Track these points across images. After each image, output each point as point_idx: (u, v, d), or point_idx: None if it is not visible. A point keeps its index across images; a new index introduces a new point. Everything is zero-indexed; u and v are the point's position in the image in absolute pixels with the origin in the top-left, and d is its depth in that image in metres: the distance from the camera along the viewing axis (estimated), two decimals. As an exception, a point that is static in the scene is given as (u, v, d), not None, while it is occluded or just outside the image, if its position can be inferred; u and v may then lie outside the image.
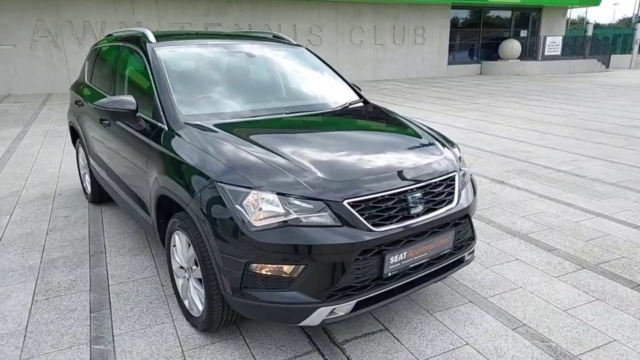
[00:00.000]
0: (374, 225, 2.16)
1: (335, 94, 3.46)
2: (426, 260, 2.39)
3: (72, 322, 2.65)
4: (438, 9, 19.89)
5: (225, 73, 3.25)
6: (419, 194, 2.34)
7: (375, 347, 2.44)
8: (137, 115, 2.88)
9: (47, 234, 3.89)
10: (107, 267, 3.31)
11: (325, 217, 2.10)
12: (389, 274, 2.24)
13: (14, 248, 3.62)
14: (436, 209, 2.40)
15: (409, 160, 2.53)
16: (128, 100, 2.84)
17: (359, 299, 2.17)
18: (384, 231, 2.17)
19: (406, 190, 2.30)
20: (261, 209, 2.08)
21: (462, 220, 2.57)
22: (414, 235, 2.30)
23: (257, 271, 2.09)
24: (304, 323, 2.15)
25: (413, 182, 2.34)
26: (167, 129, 2.70)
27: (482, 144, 7.21)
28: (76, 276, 3.18)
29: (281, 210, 2.08)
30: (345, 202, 2.12)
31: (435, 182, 2.44)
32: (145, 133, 2.86)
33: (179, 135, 2.60)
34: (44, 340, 2.49)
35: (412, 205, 2.30)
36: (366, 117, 3.26)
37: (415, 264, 2.35)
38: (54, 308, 2.79)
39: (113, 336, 2.52)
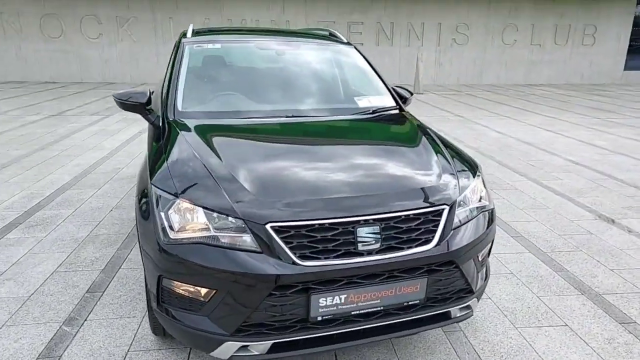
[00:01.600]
0: (302, 257, 1.83)
1: (362, 99, 3.10)
2: (379, 308, 1.97)
3: (65, 299, 2.84)
4: (620, 4, 16.92)
5: (242, 71, 3.15)
6: (374, 228, 1.92)
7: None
8: (147, 108, 2.91)
9: (110, 210, 4.28)
10: (132, 250, 3.49)
11: (245, 240, 1.85)
12: (319, 318, 1.89)
13: (77, 219, 4.06)
14: (401, 249, 1.95)
15: (380, 185, 2.12)
16: (139, 92, 2.89)
17: (276, 340, 1.88)
18: (312, 266, 1.83)
19: (356, 222, 1.91)
20: (183, 220, 1.92)
21: (444, 267, 2.05)
22: (360, 277, 1.91)
23: (170, 287, 1.95)
24: (214, 354, 1.94)
25: (370, 213, 1.93)
26: (160, 121, 2.70)
27: (613, 169, 5.88)
28: (102, 254, 3.42)
29: (202, 225, 1.90)
30: (268, 226, 1.84)
31: (405, 216, 1.99)
32: (153, 125, 2.89)
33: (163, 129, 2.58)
34: (32, 311, 2.71)
35: (361, 240, 1.90)
36: (376, 127, 2.84)
37: (362, 311, 1.94)
38: (63, 282, 3.03)
39: (85, 320, 2.63)
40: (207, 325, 1.89)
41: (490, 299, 2.94)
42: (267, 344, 1.88)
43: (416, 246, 1.99)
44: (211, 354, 1.94)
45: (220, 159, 2.17)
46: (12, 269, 3.19)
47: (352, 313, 1.93)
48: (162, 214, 1.95)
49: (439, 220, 2.06)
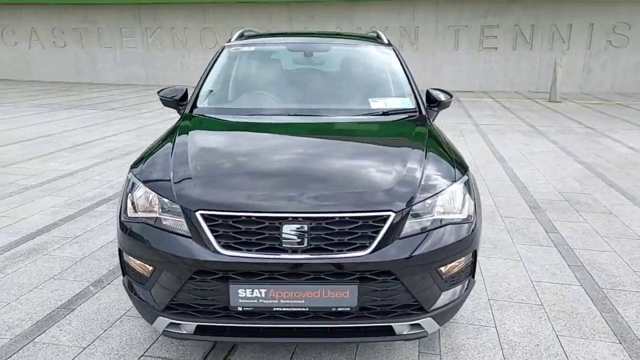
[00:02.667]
0: (225, 246, 1.92)
1: (378, 101, 3.01)
2: (304, 309, 1.94)
3: (105, 265, 3.33)
4: None
5: (267, 72, 3.29)
6: (301, 226, 1.91)
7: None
8: (181, 104, 3.21)
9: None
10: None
11: (180, 225, 2.00)
12: (240, 309, 1.94)
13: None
14: (330, 252, 1.90)
15: (329, 185, 2.08)
16: (177, 89, 3.23)
17: (200, 323, 1.99)
18: (232, 256, 1.90)
19: (283, 218, 1.91)
20: (140, 203, 2.14)
21: (379, 277, 1.93)
22: (283, 274, 1.91)
23: (127, 260, 2.18)
24: (153, 326, 2.12)
25: (299, 211, 1.92)
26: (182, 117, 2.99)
27: None
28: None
29: (152, 208, 2.10)
30: (198, 213, 1.96)
31: (339, 218, 1.93)
32: None
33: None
34: (77, 270, 3.24)
35: (286, 237, 1.90)
36: (369, 129, 2.73)
37: (285, 309, 1.94)
38: (111, 251, 3.53)
39: (108, 284, 3.05)
40: (148, 299, 2.09)
41: (495, 327, 2.62)
42: (192, 324, 2.00)
43: (348, 251, 1.91)
44: (152, 326, 2.13)
45: (188, 150, 2.35)
46: (84, 234, 3.82)
47: (275, 309, 1.94)
48: (128, 195, 2.20)
49: (381, 227, 1.95)
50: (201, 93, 3.11)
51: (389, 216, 1.96)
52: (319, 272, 1.91)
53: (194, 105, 3.01)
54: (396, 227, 1.97)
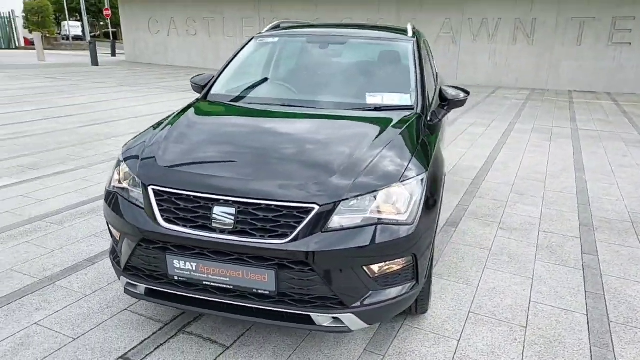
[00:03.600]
0: (167, 220, 2.15)
1: (376, 96, 3.00)
2: (229, 286, 2.11)
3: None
4: None
5: (282, 62, 3.44)
6: (229, 210, 2.07)
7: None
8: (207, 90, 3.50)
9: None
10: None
11: (138, 197, 2.28)
12: (176, 278, 2.18)
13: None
14: (253, 236, 2.04)
15: (270, 173, 2.19)
16: (205, 76, 3.53)
17: (148, 286, 2.26)
18: (170, 230, 2.13)
19: (215, 200, 2.10)
20: (119, 176, 2.46)
21: (296, 267, 2.02)
22: (211, 252, 2.10)
23: (109, 227, 2.53)
24: (120, 282, 2.44)
25: (229, 195, 2.08)
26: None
27: None
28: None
29: (125, 181, 2.40)
30: (149, 188, 2.22)
31: (265, 205, 2.05)
32: None
33: None
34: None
35: (216, 218, 2.08)
36: (348, 122, 2.74)
37: (213, 284, 2.13)
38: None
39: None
40: (116, 259, 2.42)
41: (458, 341, 2.52)
42: (142, 287, 2.28)
43: (270, 237, 2.03)
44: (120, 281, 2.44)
45: (167, 132, 2.62)
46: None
47: (205, 283, 2.14)
48: (114, 170, 2.54)
49: (303, 219, 2.03)
50: (219, 80, 3.38)
51: (313, 209, 2.03)
52: (241, 253, 2.06)
53: (209, 92, 3.29)
54: (320, 220, 2.03)
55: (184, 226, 2.12)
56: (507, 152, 6.60)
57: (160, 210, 2.17)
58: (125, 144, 2.67)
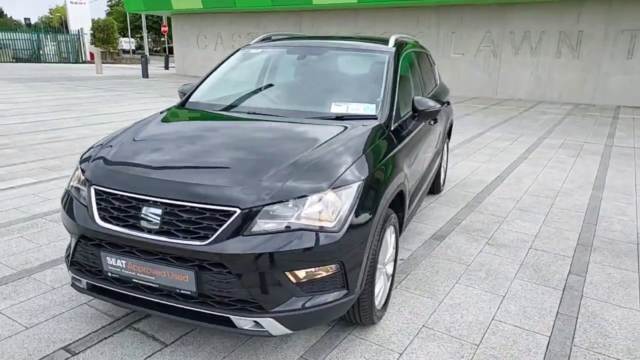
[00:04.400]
0: (102, 218, 2.24)
1: (341, 105, 2.97)
2: (155, 285, 2.16)
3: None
4: None
5: (258, 73, 3.50)
6: (156, 210, 2.13)
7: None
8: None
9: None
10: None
11: (83, 195, 2.39)
12: (110, 274, 2.25)
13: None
14: (175, 236, 2.09)
15: (203, 176, 2.23)
16: (188, 86, 3.64)
17: (89, 281, 2.35)
18: (104, 228, 2.21)
19: (145, 200, 2.16)
20: (74, 176, 2.58)
21: (215, 269, 2.04)
22: (138, 250, 2.16)
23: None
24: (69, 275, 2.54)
25: (155, 196, 2.14)
26: None
27: None
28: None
29: (77, 180, 2.51)
30: (92, 187, 2.32)
31: (190, 207, 2.09)
32: None
33: None
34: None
35: (144, 217, 2.15)
36: (304, 130, 2.71)
37: (141, 282, 2.18)
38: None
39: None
40: (67, 255, 2.53)
41: (401, 355, 2.42)
42: (84, 281, 2.37)
43: (191, 238, 2.06)
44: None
45: (124, 135, 2.72)
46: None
47: (134, 280, 2.20)
48: (75, 170, 2.66)
49: (225, 221, 2.05)
50: (199, 88, 3.49)
51: (234, 212, 2.05)
52: (165, 253, 2.11)
53: (187, 99, 3.40)
54: (242, 223, 2.04)
55: (117, 225, 2.19)
56: (524, 167, 6.31)
57: (98, 208, 2.26)
58: (89, 148, 2.81)
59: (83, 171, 2.46)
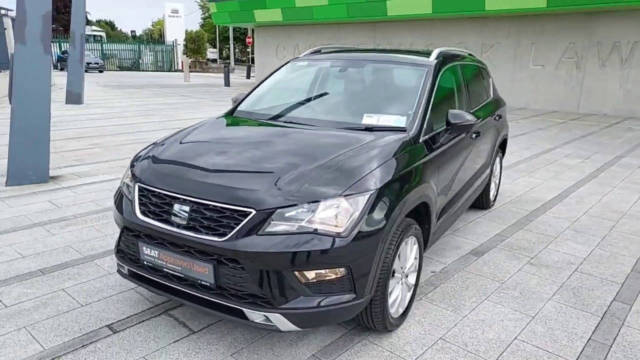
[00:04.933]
0: (142, 212, 2.53)
1: (372, 117, 3.06)
2: (181, 275, 2.40)
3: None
4: None
5: (303, 84, 3.69)
6: (185, 207, 2.37)
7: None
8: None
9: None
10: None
11: (131, 192, 2.70)
12: (145, 263, 2.52)
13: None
14: (199, 231, 2.32)
15: (231, 179, 2.44)
16: (240, 95, 3.92)
17: (129, 268, 2.64)
18: (142, 221, 2.50)
19: (177, 198, 2.41)
20: (127, 173, 2.91)
21: (230, 263, 2.24)
22: (169, 243, 2.41)
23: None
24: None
25: (185, 194, 2.38)
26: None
27: None
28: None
29: (128, 177, 2.84)
30: (136, 185, 2.63)
31: (212, 206, 2.31)
32: None
33: None
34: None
35: (175, 213, 2.40)
36: (333, 140, 2.84)
37: (170, 271, 2.43)
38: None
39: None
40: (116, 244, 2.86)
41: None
42: (126, 268, 2.67)
43: (212, 235, 2.28)
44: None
45: (174, 139, 3.02)
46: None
47: (164, 270, 2.45)
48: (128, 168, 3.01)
49: (241, 221, 2.24)
50: (247, 98, 3.75)
51: (250, 212, 2.23)
52: (189, 247, 2.34)
53: (236, 108, 3.67)
54: (257, 223, 2.22)
55: (152, 219, 2.47)
56: (590, 187, 5.94)
57: (140, 203, 2.56)
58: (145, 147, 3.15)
59: (132, 169, 2.78)
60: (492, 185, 4.90)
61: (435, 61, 3.48)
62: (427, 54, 3.62)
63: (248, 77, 30.64)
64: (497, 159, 4.95)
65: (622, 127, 11.45)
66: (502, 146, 5.09)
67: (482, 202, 4.76)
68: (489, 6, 14.60)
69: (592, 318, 2.94)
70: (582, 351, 2.61)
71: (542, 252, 3.92)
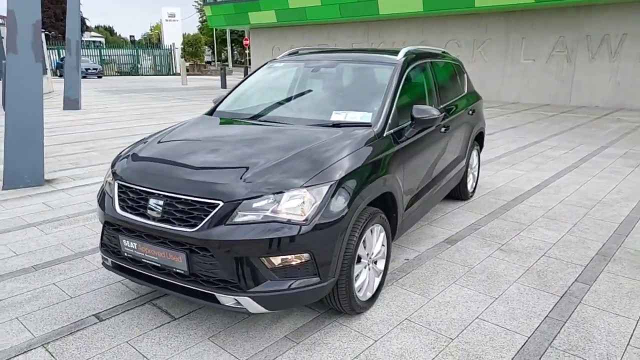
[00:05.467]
0: (121, 208, 2.72)
1: (340, 113, 3.23)
2: (158, 265, 2.58)
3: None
4: None
5: (278, 84, 3.87)
6: (160, 201, 2.56)
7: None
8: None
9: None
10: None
11: (112, 189, 2.88)
12: (126, 255, 2.71)
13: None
14: (172, 223, 2.50)
15: (201, 174, 2.61)
16: (219, 97, 4.12)
17: (112, 260, 2.83)
18: (122, 215, 2.68)
19: (152, 193, 2.60)
20: (109, 173, 3.10)
21: (201, 252, 2.42)
22: (146, 235, 2.59)
23: (104, 210, 3.19)
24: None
25: (159, 189, 2.57)
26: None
27: None
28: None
29: (109, 176, 3.03)
30: (115, 182, 2.82)
31: (184, 199, 2.49)
32: None
33: None
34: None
35: (150, 207, 2.58)
36: (300, 134, 3.02)
37: (148, 261, 2.61)
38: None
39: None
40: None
41: (376, 341, 2.63)
42: (109, 260, 2.86)
43: (184, 226, 2.46)
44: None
45: (152, 138, 3.21)
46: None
47: (143, 260, 2.63)
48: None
49: (210, 212, 2.42)
50: (226, 98, 3.94)
51: (218, 204, 2.41)
52: (164, 238, 2.52)
53: (215, 108, 3.86)
54: (224, 214, 2.40)
55: (131, 213, 2.65)
56: (570, 177, 6.11)
57: (119, 199, 2.74)
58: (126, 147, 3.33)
59: (113, 168, 2.97)
60: (470, 177, 5.07)
61: (403, 59, 3.65)
62: (396, 52, 3.80)
63: (245, 79, 30.89)
64: (475, 152, 5.12)
65: (611, 119, 11.61)
66: (479, 139, 5.26)
67: (459, 194, 4.93)
68: (479, 3, 14.77)
69: (551, 298, 3.11)
70: (537, 327, 2.78)
71: (513, 239, 4.09)
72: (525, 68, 15.64)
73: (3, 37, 14.09)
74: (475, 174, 5.28)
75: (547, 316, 2.90)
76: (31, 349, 2.58)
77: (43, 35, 12.99)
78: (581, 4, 13.88)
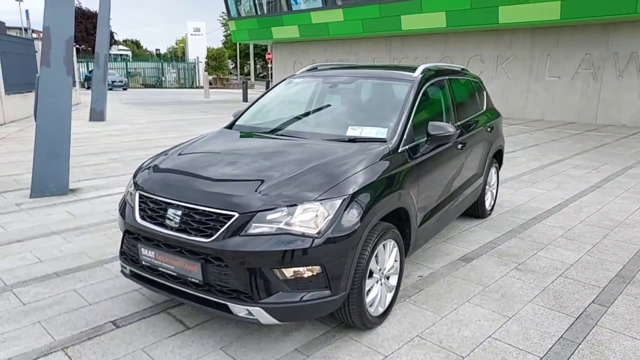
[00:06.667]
0: (141, 217, 2.81)
1: (356, 129, 3.29)
2: (174, 274, 2.65)
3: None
4: None
5: (297, 100, 3.95)
6: (178, 212, 2.64)
7: (161, 324, 2.97)
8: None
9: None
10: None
11: (133, 199, 2.98)
12: (144, 263, 2.79)
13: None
14: (189, 233, 2.57)
15: (218, 186, 2.69)
16: (239, 110, 4.22)
17: (131, 268, 2.91)
18: (141, 225, 2.77)
19: (170, 203, 2.68)
20: (130, 183, 3.20)
21: (215, 262, 2.48)
22: (164, 244, 2.67)
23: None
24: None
25: (177, 200, 2.65)
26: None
27: None
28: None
29: (131, 186, 3.13)
30: (136, 192, 2.91)
31: (202, 210, 2.56)
32: None
33: None
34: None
35: (169, 217, 2.66)
36: (315, 149, 3.07)
37: (165, 270, 2.68)
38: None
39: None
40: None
41: (385, 357, 2.64)
42: (128, 268, 2.94)
43: (200, 236, 2.53)
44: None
45: (173, 151, 3.31)
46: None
47: (160, 269, 2.71)
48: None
49: (225, 223, 2.48)
50: (246, 113, 4.04)
51: (233, 216, 2.48)
52: (181, 247, 2.59)
53: (235, 122, 3.95)
54: (239, 225, 2.46)
55: (150, 222, 2.74)
56: (592, 197, 6.00)
57: (139, 209, 2.83)
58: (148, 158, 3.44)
59: (135, 179, 3.07)
60: (488, 195, 5.04)
61: (420, 76, 3.69)
62: (413, 69, 3.84)
63: (267, 92, 31.32)
64: (493, 170, 5.09)
65: (638, 138, 11.35)
66: (498, 157, 5.23)
67: (477, 211, 4.90)
68: (503, 19, 14.73)
69: (567, 319, 3.06)
70: (551, 347, 2.74)
71: (530, 258, 4.04)
72: (550, 85, 15.46)
73: (37, 51, 14.66)
74: (494, 191, 5.24)
75: (561, 337, 2.85)
76: (51, 352, 2.66)
77: (74, 49, 13.48)
78: (607, 22, 13.71)
